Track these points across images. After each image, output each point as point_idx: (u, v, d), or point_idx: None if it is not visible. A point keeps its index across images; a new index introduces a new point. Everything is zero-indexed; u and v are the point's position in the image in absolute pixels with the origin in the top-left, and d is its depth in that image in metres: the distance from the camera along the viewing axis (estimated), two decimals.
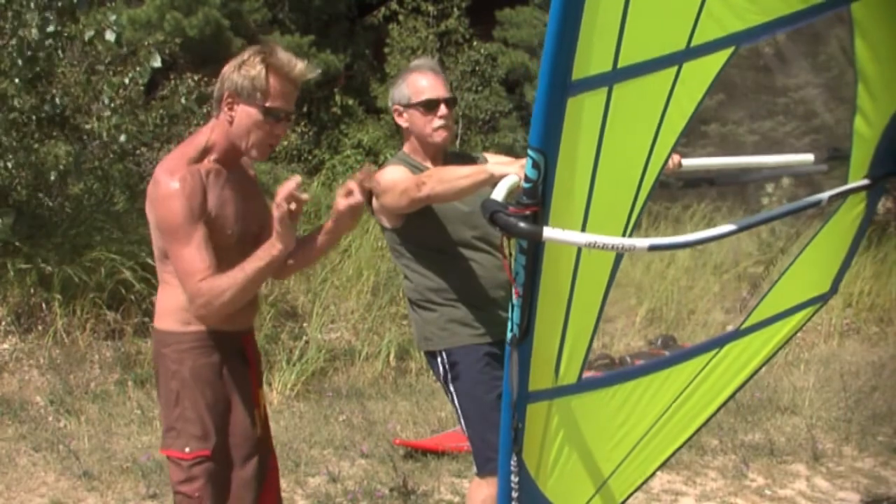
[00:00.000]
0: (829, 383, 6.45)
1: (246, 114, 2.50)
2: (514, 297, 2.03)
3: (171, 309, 2.55)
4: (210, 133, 2.54)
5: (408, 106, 3.14)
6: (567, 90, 1.79)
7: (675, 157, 2.92)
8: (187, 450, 2.52)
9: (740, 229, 2.37)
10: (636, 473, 2.81)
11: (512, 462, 2.23)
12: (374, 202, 3.15)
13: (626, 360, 6.32)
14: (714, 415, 2.93)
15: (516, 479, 2.24)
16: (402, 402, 6.14)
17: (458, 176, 2.81)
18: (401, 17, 12.12)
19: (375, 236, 8.15)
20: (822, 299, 2.98)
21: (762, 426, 5.57)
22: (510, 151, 10.29)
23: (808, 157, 3.03)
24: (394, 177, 3.02)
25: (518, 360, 2.12)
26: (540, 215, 1.90)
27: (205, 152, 2.52)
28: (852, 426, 5.55)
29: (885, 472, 4.96)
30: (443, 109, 3.10)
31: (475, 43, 12.34)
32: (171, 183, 2.42)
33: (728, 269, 8.91)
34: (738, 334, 2.79)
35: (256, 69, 2.47)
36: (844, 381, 6.33)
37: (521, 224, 1.90)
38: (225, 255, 2.50)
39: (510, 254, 2.01)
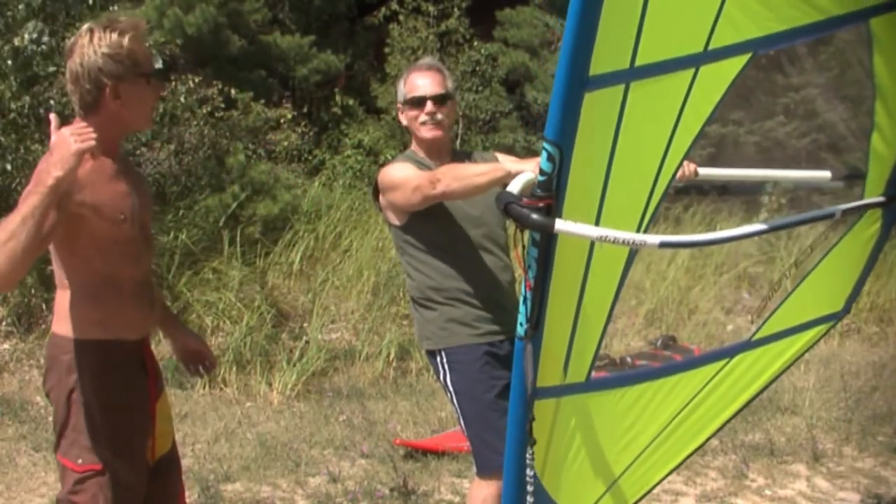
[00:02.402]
0: (830, 383, 6.44)
1: (134, 92, 2.45)
2: (525, 289, 2.03)
3: (70, 314, 2.47)
4: None
5: (403, 103, 3.18)
6: (584, 85, 1.80)
7: (692, 166, 2.87)
8: (79, 461, 2.45)
9: (751, 234, 2.37)
10: (644, 479, 2.78)
11: (528, 455, 2.19)
12: (382, 198, 3.16)
13: (627, 361, 6.32)
14: (724, 425, 2.89)
15: (532, 473, 2.21)
16: (402, 402, 6.13)
17: (474, 173, 2.81)
18: (401, 17, 12.09)
19: (376, 236, 8.14)
20: (834, 318, 2.94)
21: (762, 426, 5.57)
22: (510, 152, 10.25)
23: (825, 174, 2.96)
24: (404, 174, 3.03)
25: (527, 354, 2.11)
26: (553, 208, 1.91)
27: None
28: (852, 426, 5.55)
29: (886, 472, 4.96)
30: (429, 106, 3.11)
31: (475, 43, 12.32)
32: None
33: (728, 269, 8.91)
34: (749, 345, 2.76)
35: (126, 45, 2.41)
36: (845, 381, 6.32)
37: (534, 216, 1.91)
38: (125, 248, 2.45)
39: (523, 247, 2.02)
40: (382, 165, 3.22)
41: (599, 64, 1.80)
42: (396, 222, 3.15)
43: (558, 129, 1.83)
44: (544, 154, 1.86)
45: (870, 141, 2.55)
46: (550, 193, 1.90)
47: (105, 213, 2.41)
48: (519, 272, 2.16)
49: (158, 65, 7.17)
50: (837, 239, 2.74)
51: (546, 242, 1.97)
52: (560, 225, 1.89)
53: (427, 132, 3.13)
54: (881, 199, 2.64)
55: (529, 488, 2.22)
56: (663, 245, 2.01)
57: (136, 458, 2.54)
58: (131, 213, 2.48)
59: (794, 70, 10.60)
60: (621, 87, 1.89)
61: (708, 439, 2.91)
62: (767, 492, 4.70)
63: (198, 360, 2.86)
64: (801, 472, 4.95)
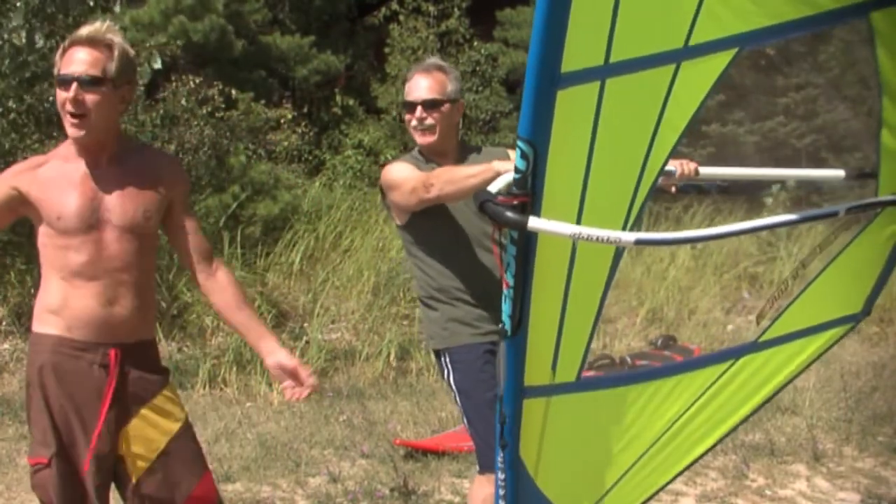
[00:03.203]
0: (830, 383, 6.43)
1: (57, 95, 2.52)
2: (504, 287, 2.02)
3: (36, 307, 2.58)
4: None
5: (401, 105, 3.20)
6: (556, 82, 1.78)
7: (692, 165, 2.82)
8: (32, 455, 2.51)
9: (735, 233, 2.32)
10: (648, 482, 2.74)
11: (499, 458, 2.20)
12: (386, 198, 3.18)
13: (627, 361, 6.32)
14: (736, 427, 2.81)
15: (502, 477, 2.21)
16: (402, 402, 6.14)
17: (467, 175, 2.82)
18: (401, 18, 12.11)
19: (376, 236, 8.15)
20: (852, 320, 2.80)
21: (762, 426, 5.56)
22: None
23: (839, 174, 2.81)
24: (403, 174, 3.04)
25: (511, 353, 2.10)
26: (528, 205, 1.90)
27: (68, 147, 2.57)
28: (853, 426, 5.54)
29: (886, 472, 4.95)
30: (418, 112, 3.10)
31: (475, 43, 12.33)
32: None
33: (728, 269, 8.90)
34: (755, 347, 2.67)
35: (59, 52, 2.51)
36: (845, 381, 6.31)
37: (508, 213, 1.90)
38: (73, 245, 2.48)
39: (501, 245, 2.02)
40: (384, 164, 3.22)
41: (571, 60, 1.77)
42: (399, 222, 3.18)
43: (531, 126, 1.81)
44: (518, 152, 1.84)
45: (879, 139, 2.46)
46: (525, 191, 1.89)
47: (41, 211, 2.50)
48: None
49: (157, 65, 7.19)
50: (851, 238, 2.62)
51: (524, 241, 1.95)
52: (533, 222, 1.88)
53: (418, 137, 3.14)
54: (892, 197, 2.50)
55: (501, 492, 2.22)
56: (639, 242, 1.99)
57: (89, 455, 2.51)
58: (68, 214, 2.48)
59: (794, 69, 10.58)
60: (596, 83, 1.86)
61: (718, 442, 2.82)
62: (767, 492, 4.69)
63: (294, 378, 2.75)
64: (802, 472, 4.94)
